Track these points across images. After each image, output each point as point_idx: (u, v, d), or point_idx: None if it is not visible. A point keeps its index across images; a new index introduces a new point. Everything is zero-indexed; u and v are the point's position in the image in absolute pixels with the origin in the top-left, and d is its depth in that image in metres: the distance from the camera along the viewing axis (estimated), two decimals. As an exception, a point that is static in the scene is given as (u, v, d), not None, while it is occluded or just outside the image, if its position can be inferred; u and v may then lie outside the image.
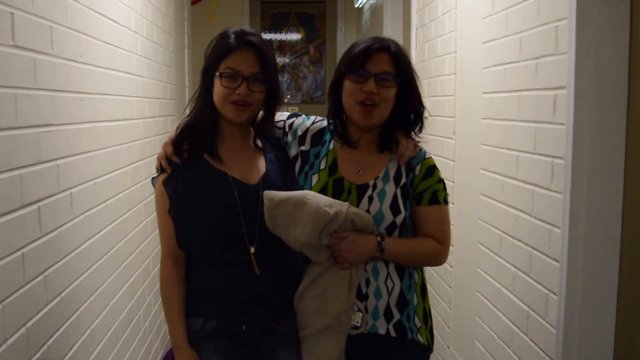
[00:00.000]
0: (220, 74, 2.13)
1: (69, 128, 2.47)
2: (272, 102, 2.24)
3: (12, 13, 1.99)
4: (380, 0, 5.72)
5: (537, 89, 2.53)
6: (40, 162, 2.19)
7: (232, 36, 2.16)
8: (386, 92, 2.16)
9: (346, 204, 2.15)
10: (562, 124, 2.30)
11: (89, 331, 2.68)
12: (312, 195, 2.14)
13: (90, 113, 2.75)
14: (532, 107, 2.57)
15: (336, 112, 2.28)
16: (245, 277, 2.17)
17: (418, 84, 2.26)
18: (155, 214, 2.33)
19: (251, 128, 2.29)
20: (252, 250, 2.16)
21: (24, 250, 2.06)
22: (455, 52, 3.72)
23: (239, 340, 2.20)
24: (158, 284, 2.34)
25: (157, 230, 2.30)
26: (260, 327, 2.21)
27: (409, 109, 2.25)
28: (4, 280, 1.93)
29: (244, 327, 2.19)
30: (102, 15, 2.95)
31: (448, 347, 3.81)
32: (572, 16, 2.22)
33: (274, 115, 2.29)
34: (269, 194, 2.12)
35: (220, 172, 2.19)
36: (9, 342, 1.94)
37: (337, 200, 2.16)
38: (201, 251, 2.21)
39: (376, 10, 6.09)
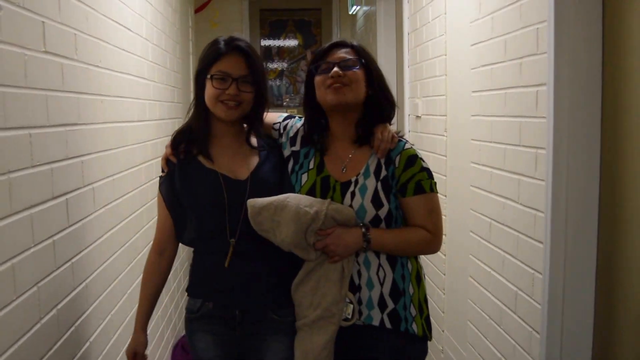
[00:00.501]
0: (212, 76, 2.26)
1: (91, 127, 2.62)
2: (260, 102, 2.35)
3: (43, 22, 2.14)
4: (374, 7, 5.78)
5: (521, 87, 2.68)
6: (68, 158, 2.34)
7: (222, 42, 2.29)
8: (352, 74, 2.24)
9: (327, 201, 2.21)
10: (543, 117, 2.45)
11: (109, 316, 2.84)
12: (292, 198, 2.21)
13: (109, 114, 2.90)
14: (517, 103, 2.73)
15: (313, 117, 2.37)
16: (233, 267, 2.27)
17: (382, 73, 2.36)
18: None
19: (244, 126, 2.40)
20: (232, 242, 2.26)
21: (55, 238, 2.20)
22: (446, 55, 3.87)
23: (232, 325, 2.31)
24: (168, 277, 2.52)
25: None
26: (254, 314, 2.31)
27: (379, 97, 2.31)
28: (38, 264, 2.07)
29: (237, 312, 2.30)
30: (118, 23, 3.10)
31: (443, 331, 3.97)
32: (550, 19, 2.36)
33: (262, 114, 2.39)
34: (252, 202, 2.20)
35: (210, 170, 2.30)
36: (43, 321, 2.09)
37: (317, 199, 2.22)
38: (195, 243, 2.37)
39: (369, 17, 6.17)
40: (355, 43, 2.36)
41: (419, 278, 2.32)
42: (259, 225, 2.20)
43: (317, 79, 2.30)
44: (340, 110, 2.29)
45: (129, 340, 2.46)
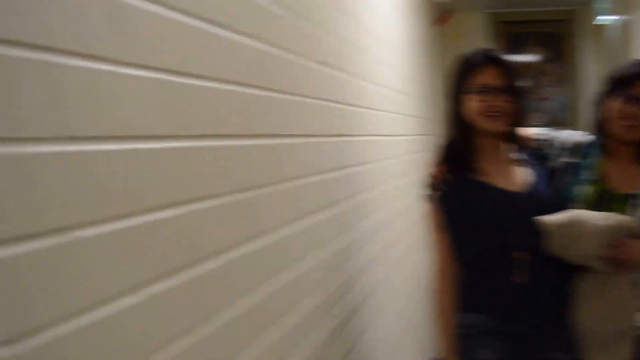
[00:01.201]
0: (471, 90, 2.26)
1: (354, 140, 2.68)
2: (520, 113, 2.31)
3: (320, 36, 2.22)
4: (629, 16, 5.51)
5: None
6: (340, 168, 2.39)
7: (475, 55, 2.30)
8: None
9: (613, 214, 2.23)
10: None
11: (381, 329, 2.87)
12: (584, 213, 2.23)
13: (368, 127, 2.95)
14: None
15: (597, 126, 2.40)
16: (522, 282, 2.23)
17: None
18: (427, 229, 2.46)
19: (508, 141, 2.36)
20: (526, 256, 2.22)
21: (331, 244, 2.24)
22: None
23: (517, 340, 2.25)
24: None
25: (430, 244, 2.44)
26: (541, 330, 2.26)
27: None
28: (321, 271, 2.10)
29: (521, 328, 2.24)
30: (378, 36, 3.19)
31: None
32: None
33: (522, 126, 2.36)
34: (545, 220, 2.21)
35: (486, 184, 2.28)
36: (330, 326, 2.14)
37: (607, 213, 2.24)
38: (480, 258, 2.30)
39: (623, 27, 5.90)
40: None
41: None
42: (557, 241, 2.21)
43: (611, 104, 2.32)
44: None
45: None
